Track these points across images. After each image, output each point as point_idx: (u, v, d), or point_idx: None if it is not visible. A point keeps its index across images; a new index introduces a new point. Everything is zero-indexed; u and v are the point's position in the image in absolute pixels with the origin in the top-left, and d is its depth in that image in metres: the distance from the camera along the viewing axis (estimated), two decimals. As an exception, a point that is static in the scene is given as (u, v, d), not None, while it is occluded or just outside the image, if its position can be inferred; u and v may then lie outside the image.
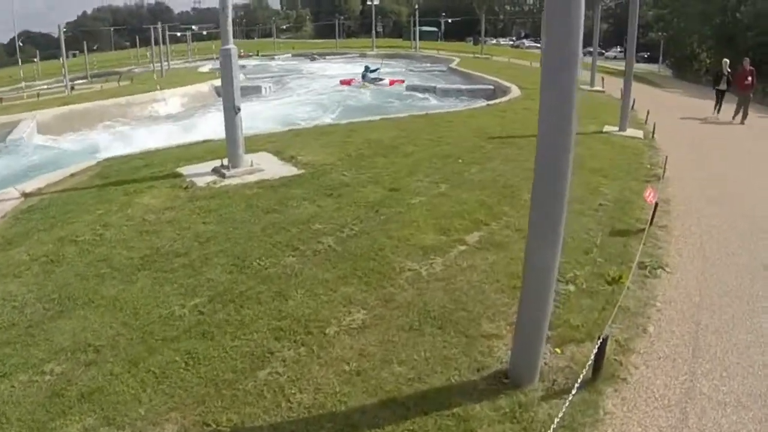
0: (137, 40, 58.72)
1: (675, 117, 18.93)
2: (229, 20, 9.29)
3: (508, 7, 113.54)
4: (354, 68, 41.10)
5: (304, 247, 6.46)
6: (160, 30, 40.85)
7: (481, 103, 20.48)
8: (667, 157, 11.09)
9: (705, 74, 34.21)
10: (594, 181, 9.50)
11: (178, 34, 58.64)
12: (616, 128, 14.49)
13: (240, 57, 55.63)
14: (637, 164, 11.18)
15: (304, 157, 10.53)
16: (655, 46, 48.88)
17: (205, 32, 72.02)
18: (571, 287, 5.72)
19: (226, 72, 9.41)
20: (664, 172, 10.38)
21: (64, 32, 34.85)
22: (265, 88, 29.88)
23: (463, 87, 28.30)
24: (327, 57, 54.57)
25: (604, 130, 14.53)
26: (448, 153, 11.18)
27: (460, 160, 10.49)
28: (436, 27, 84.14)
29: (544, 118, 3.70)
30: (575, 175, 9.53)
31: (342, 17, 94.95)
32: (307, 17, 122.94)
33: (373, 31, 65.37)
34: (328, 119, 21.37)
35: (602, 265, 6.27)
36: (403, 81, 32.10)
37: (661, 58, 47.42)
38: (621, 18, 14.18)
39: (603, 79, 24.84)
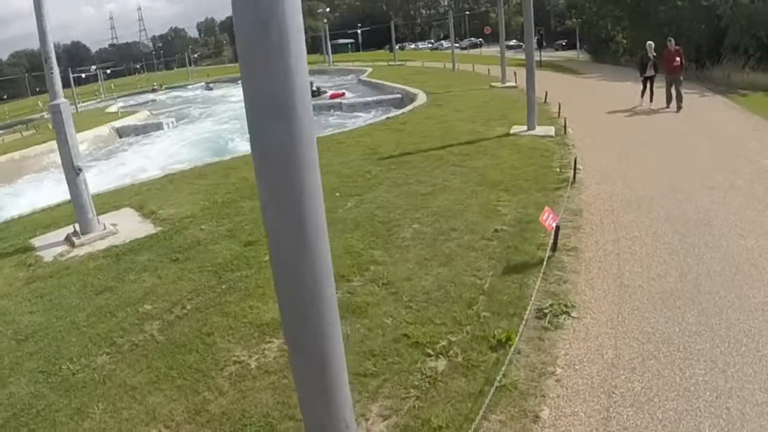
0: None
1: (593, 106, 17.67)
2: (55, 71, 7.92)
3: (423, 11, 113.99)
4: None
5: (123, 340, 5.21)
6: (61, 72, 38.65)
7: (387, 114, 19.29)
8: (576, 157, 9.78)
9: (623, 55, 34.01)
10: (492, 200, 8.18)
11: (83, 75, 55.90)
12: (525, 128, 13.26)
13: (154, 91, 54.55)
14: (544, 169, 9.86)
15: (166, 211, 9.11)
16: (572, 33, 48.96)
17: (109, 70, 69.49)
18: (441, 363, 4.37)
19: (59, 130, 8.08)
20: (574, 175, 9.09)
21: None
22: (167, 124, 28.26)
23: (370, 99, 27.30)
24: (239, 81, 52.75)
25: (512, 131, 13.24)
26: (326, 184, 9.55)
27: (337, 194, 9.02)
28: (353, 38, 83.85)
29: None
30: (472, 197, 8.33)
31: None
32: (225, 42, 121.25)
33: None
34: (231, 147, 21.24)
35: (488, 321, 4.93)
36: (343, 94, 31.72)
37: (578, 43, 47.44)
38: (536, 9, 13.41)
39: (515, 73, 23.81)
